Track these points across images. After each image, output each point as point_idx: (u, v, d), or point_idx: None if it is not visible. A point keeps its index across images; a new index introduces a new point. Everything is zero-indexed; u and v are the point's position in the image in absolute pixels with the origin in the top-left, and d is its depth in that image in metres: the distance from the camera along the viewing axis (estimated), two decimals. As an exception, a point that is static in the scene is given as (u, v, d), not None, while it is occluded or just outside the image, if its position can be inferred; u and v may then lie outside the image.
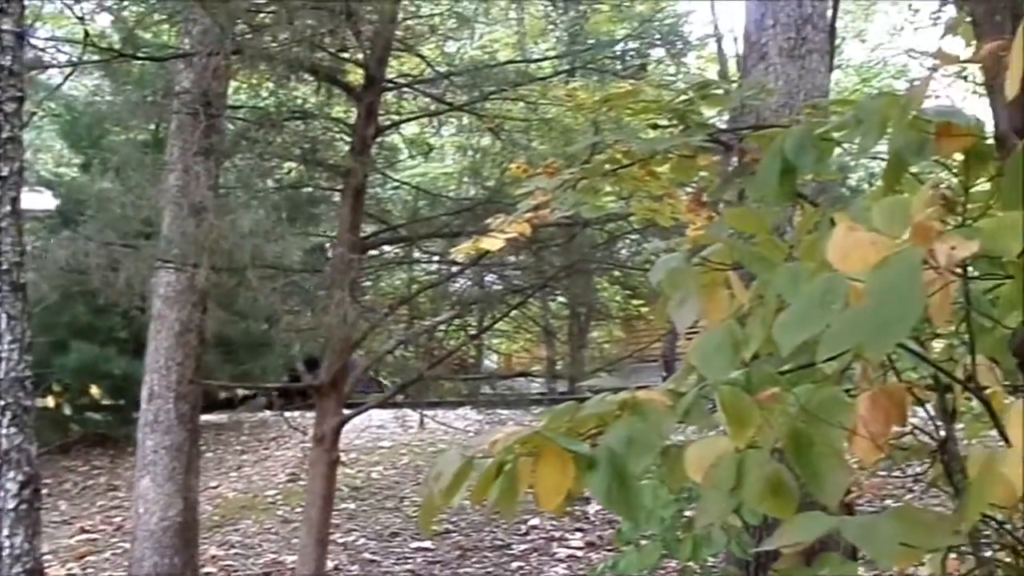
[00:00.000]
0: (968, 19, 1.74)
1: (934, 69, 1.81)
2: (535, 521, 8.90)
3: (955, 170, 1.75)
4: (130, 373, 10.93)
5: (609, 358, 14.24)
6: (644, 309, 11.24)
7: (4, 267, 4.27)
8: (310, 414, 7.36)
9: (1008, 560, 1.63)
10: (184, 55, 6.60)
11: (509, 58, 9.97)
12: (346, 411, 6.81)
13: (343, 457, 8.02)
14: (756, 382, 1.70)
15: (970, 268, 1.45)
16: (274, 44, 5.98)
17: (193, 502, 7.09)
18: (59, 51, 7.32)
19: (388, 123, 7.29)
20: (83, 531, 10.25)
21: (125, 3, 6.69)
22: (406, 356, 8.44)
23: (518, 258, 7.34)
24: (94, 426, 13.75)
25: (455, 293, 8.50)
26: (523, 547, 8.46)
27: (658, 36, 8.94)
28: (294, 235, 6.56)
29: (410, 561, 8.41)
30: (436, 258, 8.34)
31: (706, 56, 19.19)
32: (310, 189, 7.99)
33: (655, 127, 3.22)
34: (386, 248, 8.32)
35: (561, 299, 10.66)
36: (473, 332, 8.97)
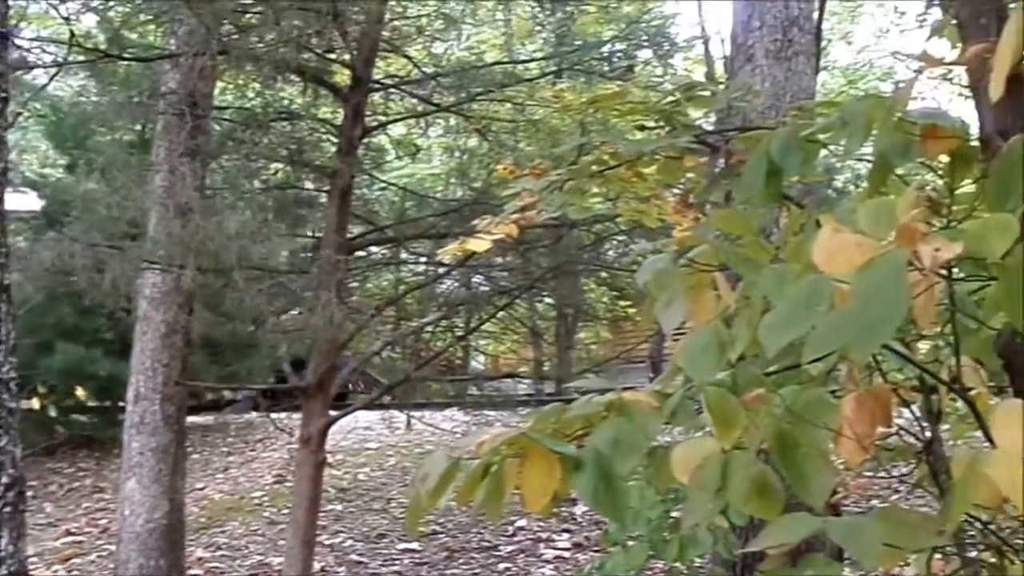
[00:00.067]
0: (953, 21, 1.75)
1: (919, 71, 1.82)
2: (522, 522, 8.90)
3: (940, 172, 1.76)
4: (116, 374, 10.90)
5: (596, 359, 14.28)
6: (631, 310, 11.28)
7: (-11, 268, 4.25)
8: (296, 415, 7.34)
9: (993, 560, 1.63)
10: (170, 56, 6.58)
11: (496, 59, 9.95)
12: (333, 412, 6.79)
13: (330, 458, 8.01)
14: (742, 383, 1.70)
15: (955, 270, 1.45)
16: (261, 45, 5.97)
17: (179, 504, 7.07)
18: (44, 51, 7.28)
19: (375, 124, 7.28)
20: (68, 533, 10.21)
21: (111, 3, 6.66)
22: (393, 357, 8.43)
23: (505, 259, 7.34)
24: (80, 428, 13.70)
25: (442, 294, 8.50)
26: (510, 548, 8.46)
27: (645, 38, 8.95)
28: (281, 236, 6.56)
29: (397, 562, 8.40)
30: (423, 259, 8.33)
31: (693, 58, 19.23)
32: (297, 190, 7.97)
33: (642, 128, 3.22)
34: (373, 249, 8.31)
35: (548, 300, 10.67)
36: (460, 333, 8.97)
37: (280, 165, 7.68)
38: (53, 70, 7.02)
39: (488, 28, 14.07)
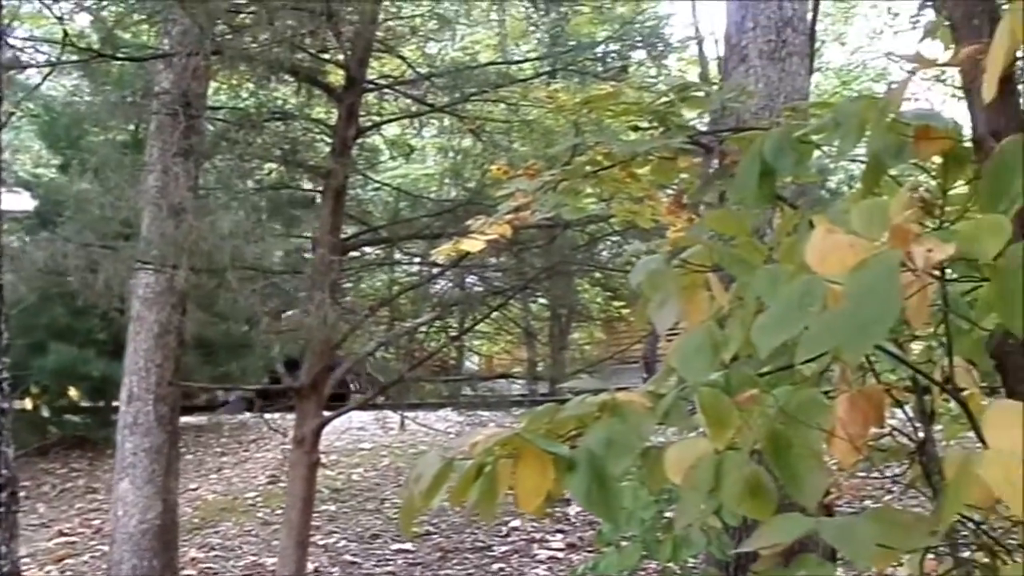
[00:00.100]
0: (946, 23, 1.75)
1: (913, 72, 1.83)
2: (516, 523, 8.90)
3: (933, 173, 1.76)
4: (109, 375, 10.89)
5: (590, 359, 14.27)
6: (625, 311, 11.28)
7: (-19, 268, 4.24)
8: (290, 416, 7.33)
9: (985, 561, 1.63)
10: (164, 55, 6.57)
11: (490, 59, 9.94)
12: (326, 413, 6.79)
13: (323, 459, 8.00)
14: (735, 384, 1.70)
15: (948, 270, 1.45)
16: (254, 45, 5.96)
17: (172, 504, 7.06)
18: (38, 51, 7.25)
19: (369, 124, 7.27)
20: (61, 534, 10.19)
21: (104, 3, 6.65)
22: (387, 357, 8.43)
23: (499, 260, 7.34)
24: (72, 428, 13.67)
25: (436, 294, 8.49)
26: (504, 549, 8.46)
27: (639, 38, 8.94)
28: (274, 236, 6.55)
29: (391, 563, 8.40)
30: (417, 259, 8.33)
31: (687, 58, 19.25)
32: (291, 190, 7.96)
33: (636, 129, 3.23)
34: (367, 249, 8.30)
35: (542, 301, 10.67)
36: (454, 334, 8.96)
37: (274, 165, 7.67)
38: (46, 70, 7.00)
39: (482, 28, 14.07)
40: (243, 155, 7.06)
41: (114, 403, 9.16)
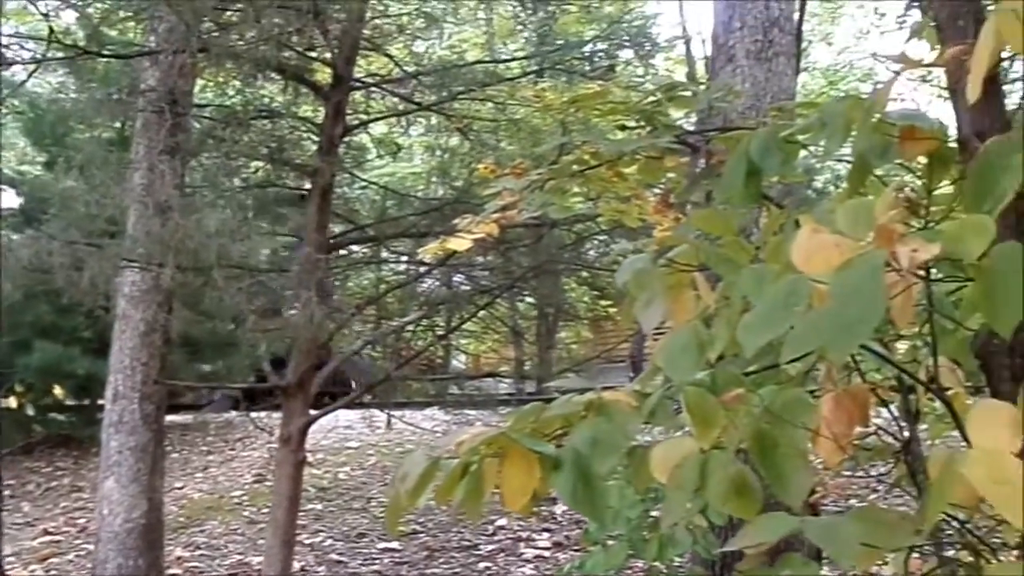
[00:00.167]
0: (932, 23, 1.75)
1: (898, 73, 1.83)
2: (502, 521, 8.90)
3: (919, 173, 1.77)
4: (94, 373, 10.86)
5: (577, 359, 14.29)
6: (612, 310, 11.29)
7: (-35, 266, 4.22)
8: (276, 414, 7.32)
9: (969, 560, 1.64)
10: (150, 53, 6.54)
11: (478, 58, 9.95)
12: (313, 411, 6.78)
13: (310, 458, 7.99)
14: (721, 383, 1.71)
15: (933, 270, 1.46)
16: (241, 42, 5.94)
17: (158, 503, 7.03)
18: (23, 48, 7.22)
19: (356, 122, 7.26)
20: (46, 533, 10.15)
21: (90, 0, 6.62)
22: (374, 356, 8.41)
23: (486, 258, 7.34)
24: (58, 427, 13.64)
25: (423, 293, 8.48)
26: (490, 547, 8.46)
27: (627, 37, 8.96)
28: (261, 235, 6.53)
29: (377, 562, 8.39)
30: (404, 258, 8.33)
31: (674, 58, 19.27)
32: (277, 188, 7.94)
33: (623, 128, 3.23)
34: (354, 248, 8.29)
35: (529, 300, 10.67)
36: (441, 332, 8.96)
37: (260, 163, 7.66)
38: (32, 67, 6.96)
39: (470, 27, 14.07)
40: (229, 153, 7.04)
41: (99, 401, 9.12)
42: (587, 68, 7.68)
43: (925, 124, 1.68)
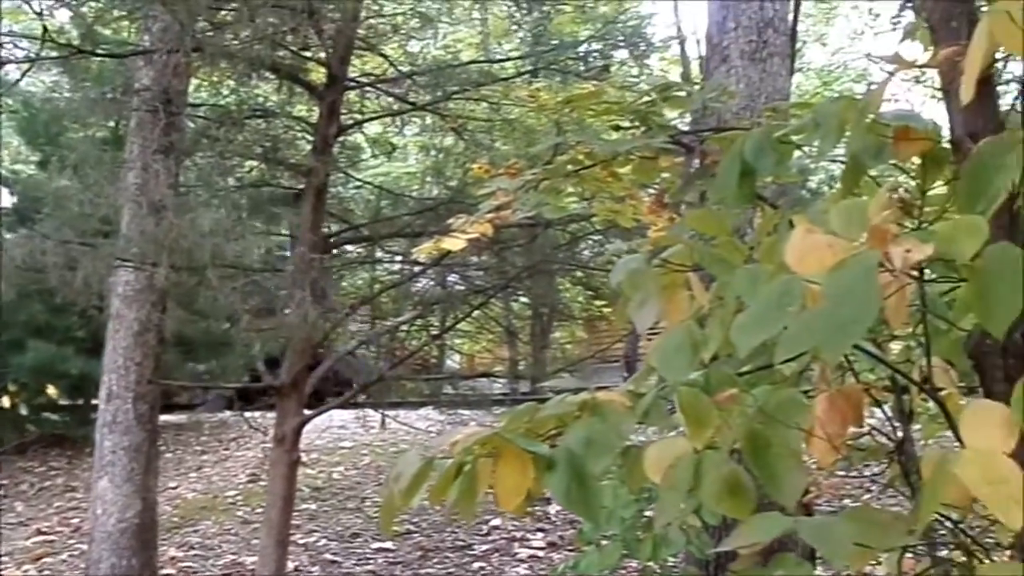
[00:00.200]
0: (926, 25, 1.76)
1: (892, 73, 1.83)
2: (496, 521, 8.90)
3: (912, 173, 1.77)
4: (88, 373, 10.83)
5: (571, 359, 14.31)
6: (606, 310, 11.29)
7: (-41, 265, 4.21)
8: (271, 414, 7.31)
9: (962, 560, 1.64)
10: (144, 52, 6.53)
11: (472, 58, 9.93)
12: (307, 411, 6.77)
13: (304, 457, 7.99)
14: (715, 383, 1.71)
15: (926, 271, 1.46)
16: (235, 42, 5.93)
17: (152, 503, 7.02)
18: (16, 47, 7.22)
19: (350, 122, 7.26)
20: (40, 532, 10.13)
21: (84, -1, 6.61)
22: (368, 356, 8.41)
23: (480, 258, 7.34)
24: (51, 426, 13.61)
25: (417, 293, 8.48)
26: (484, 547, 8.46)
27: (621, 38, 8.95)
28: (255, 234, 6.52)
29: (371, 562, 8.38)
30: (398, 258, 8.32)
31: (669, 58, 19.28)
32: (271, 188, 7.93)
33: (617, 128, 3.23)
34: (348, 248, 8.28)
35: (523, 300, 10.68)
36: (435, 332, 8.96)
37: (255, 163, 7.64)
38: (25, 66, 6.96)
39: (464, 27, 14.04)
40: (224, 152, 7.03)
41: (93, 401, 9.10)
42: (582, 68, 7.67)
43: (919, 125, 1.69)
